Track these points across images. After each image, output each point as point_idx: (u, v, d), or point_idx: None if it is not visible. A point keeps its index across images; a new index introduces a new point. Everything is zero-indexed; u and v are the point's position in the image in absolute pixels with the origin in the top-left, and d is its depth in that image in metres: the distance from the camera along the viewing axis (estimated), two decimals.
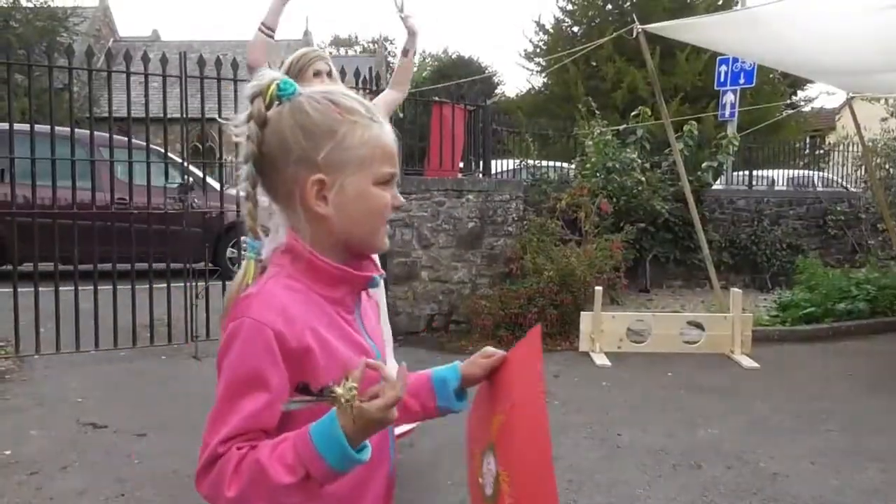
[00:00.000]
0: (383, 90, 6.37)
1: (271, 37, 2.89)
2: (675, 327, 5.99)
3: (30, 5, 18.01)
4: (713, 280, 6.93)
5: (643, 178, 8.06)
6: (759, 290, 8.86)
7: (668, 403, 4.62)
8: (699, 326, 6.08)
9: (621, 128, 9.09)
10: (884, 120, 8.71)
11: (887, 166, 8.43)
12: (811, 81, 17.05)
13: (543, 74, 21.98)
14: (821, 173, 13.29)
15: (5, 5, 17.44)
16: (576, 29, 21.42)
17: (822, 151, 15.49)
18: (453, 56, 45.51)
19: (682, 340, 5.95)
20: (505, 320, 5.94)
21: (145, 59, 5.26)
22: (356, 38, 55.68)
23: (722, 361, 5.67)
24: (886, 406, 4.55)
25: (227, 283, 5.98)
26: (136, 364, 5.22)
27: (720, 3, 19.61)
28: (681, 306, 7.70)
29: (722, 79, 11.80)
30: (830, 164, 13.63)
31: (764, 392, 4.87)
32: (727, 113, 11.73)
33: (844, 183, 12.48)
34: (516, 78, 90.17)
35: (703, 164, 8.79)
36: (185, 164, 6.16)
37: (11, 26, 17.02)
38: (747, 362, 5.59)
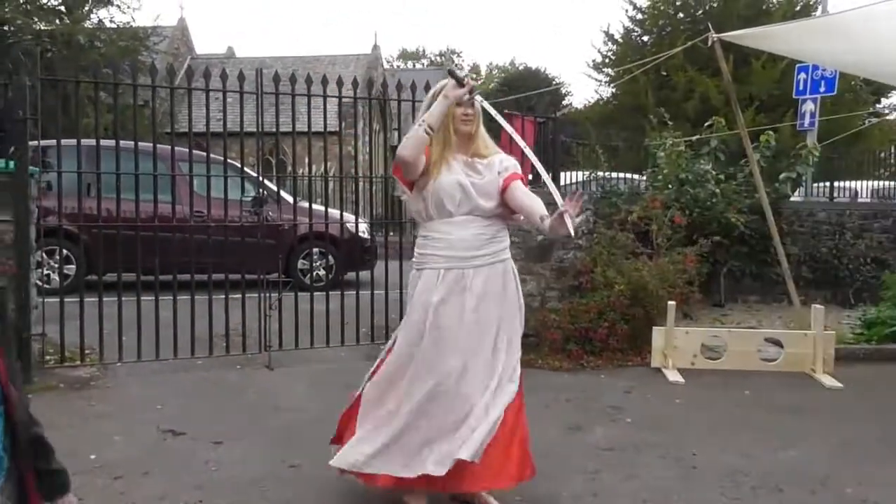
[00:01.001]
0: None
1: (430, 136, 2.93)
2: (752, 344, 5.79)
3: (113, 26, 18.79)
4: (793, 295, 6.67)
5: (717, 190, 7.85)
6: (842, 307, 8.48)
7: (745, 423, 4.46)
8: (778, 343, 5.86)
9: (694, 138, 8.89)
10: None
11: None
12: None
13: (612, 85, 21.71)
14: None
15: (90, 27, 18.27)
16: (645, 38, 21.12)
17: None
18: (520, 67, 45.56)
19: (759, 358, 5.74)
20: (574, 334, 5.85)
21: (224, 77, 5.43)
22: (423, 50, 56.39)
23: (802, 380, 5.44)
24: None
25: (298, 294, 6.11)
26: (212, 373, 5.37)
27: (798, 9, 19.02)
28: (757, 322, 7.44)
29: (801, 87, 11.43)
30: None
31: (848, 413, 4.65)
32: (807, 122, 11.34)
33: None
34: (584, 89, 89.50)
35: (781, 176, 8.51)
36: (260, 177, 6.33)
37: (96, 46, 17.84)
38: (830, 382, 5.35)
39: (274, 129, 5.81)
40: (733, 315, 7.87)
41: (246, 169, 6.43)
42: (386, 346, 3.22)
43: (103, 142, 5.48)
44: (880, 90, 18.87)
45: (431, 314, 2.91)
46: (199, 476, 3.50)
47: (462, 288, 2.92)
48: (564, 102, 34.01)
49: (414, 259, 3.07)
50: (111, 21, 18.90)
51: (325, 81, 5.62)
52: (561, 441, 4.08)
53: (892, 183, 12.34)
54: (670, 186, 7.76)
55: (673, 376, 5.44)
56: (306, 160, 6.15)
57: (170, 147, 6.11)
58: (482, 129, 3.10)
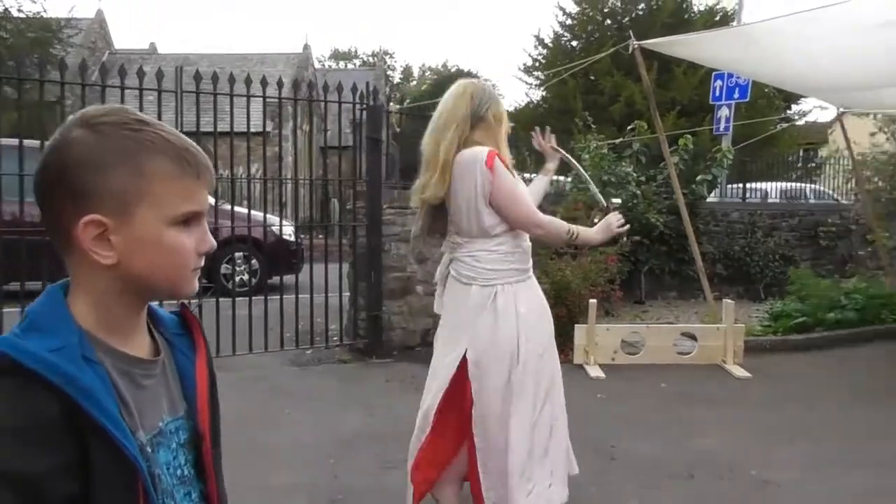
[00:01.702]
0: (381, 104, 6.46)
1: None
2: (668, 339, 6.04)
3: (21, 15, 17.63)
4: (707, 291, 6.99)
5: (639, 192, 8.14)
6: (753, 301, 8.92)
7: (661, 414, 4.66)
8: (692, 337, 6.13)
9: (617, 141, 9.18)
10: (872, 134, 8.81)
11: (876, 179, 8.52)
12: (804, 96, 17.19)
13: (542, 88, 22.12)
14: (813, 186, 13.41)
15: None
16: (574, 43, 21.60)
17: (814, 164, 15.62)
18: (452, 69, 45.81)
19: (675, 352, 6.00)
20: None
21: (140, 74, 5.27)
22: (356, 51, 56.06)
23: (715, 372, 5.72)
24: (875, 413, 4.60)
25: (220, 299, 6.02)
26: None
27: (717, 19, 19.81)
28: (675, 318, 7.75)
29: (717, 93, 11.92)
30: (822, 176, 13.75)
31: (756, 401, 4.92)
32: (722, 127, 11.84)
33: (836, 195, 12.59)
34: (515, 91, 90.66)
35: (698, 178, 8.87)
36: None
37: (2, 37, 16.73)
38: (740, 372, 5.64)
39: (195, 129, 5.68)
40: (653, 311, 8.17)
41: None
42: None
43: (5, 141, 5.13)
44: (790, 97, 19.82)
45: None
46: None
47: None
48: None
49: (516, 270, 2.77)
50: (19, 10, 17.53)
51: (248, 81, 5.55)
52: None
53: (800, 184, 13.03)
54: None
55: (594, 372, 5.63)
56: (231, 162, 6.03)
57: None
58: None
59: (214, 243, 1.00)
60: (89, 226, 0.89)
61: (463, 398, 2.73)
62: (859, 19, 5.03)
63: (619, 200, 3.03)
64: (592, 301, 5.89)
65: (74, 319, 0.91)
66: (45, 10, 18.18)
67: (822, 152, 16.33)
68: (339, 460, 3.80)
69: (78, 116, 0.93)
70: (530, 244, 2.83)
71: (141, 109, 5.35)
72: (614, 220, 2.86)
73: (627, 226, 2.92)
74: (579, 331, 5.85)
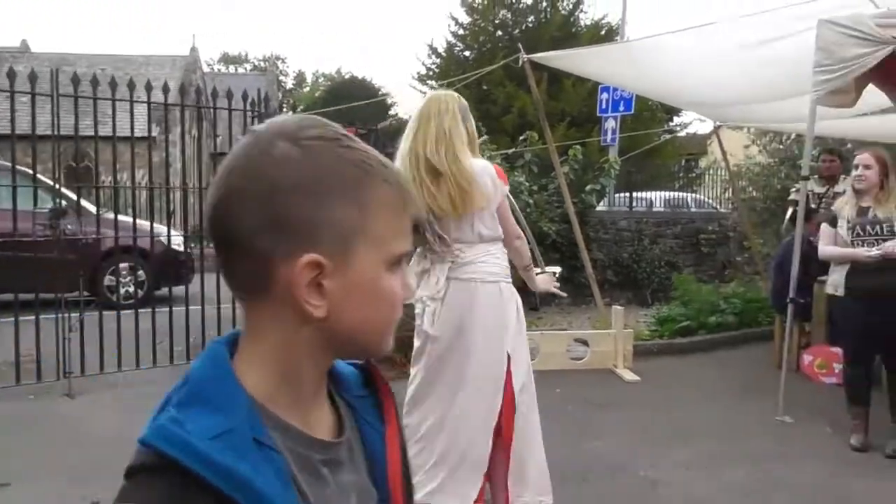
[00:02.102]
0: (273, 111, 6.31)
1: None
2: (562, 345, 6.19)
3: None
4: (597, 297, 7.22)
5: (531, 201, 8.31)
6: (641, 306, 9.28)
7: (556, 419, 4.73)
8: (585, 343, 6.31)
9: (510, 151, 9.35)
10: (747, 147, 9.41)
11: (751, 189, 9.09)
12: (684, 109, 18.15)
13: None
14: (694, 195, 14.16)
15: None
16: (467, 53, 21.90)
17: (694, 175, 16.50)
18: (346, 76, 45.49)
19: (569, 357, 6.15)
20: (397, 342, 5.82)
21: (11, 75, 4.94)
22: (246, 55, 54.73)
23: (606, 376, 5.91)
24: (752, 410, 4.88)
25: (104, 312, 5.68)
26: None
27: (602, 33, 20.60)
28: (568, 324, 7.96)
29: (603, 106, 12.38)
30: (702, 186, 14.54)
31: (645, 404, 5.11)
32: (609, 138, 12.30)
33: (715, 204, 13.34)
34: (411, 100, 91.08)
35: (587, 187, 9.17)
36: (57, 186, 5.83)
37: None
38: (629, 376, 5.85)
39: (73, 134, 5.34)
40: (547, 318, 8.36)
41: (41, 177, 5.87)
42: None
43: None
44: (672, 109, 20.87)
45: None
46: None
47: None
48: (391, 112, 34.42)
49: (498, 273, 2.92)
50: None
51: (132, 85, 5.29)
52: None
53: (682, 194, 13.73)
54: None
55: None
56: (114, 168, 5.72)
57: None
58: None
59: (415, 289, 0.82)
60: (307, 267, 0.71)
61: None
62: (733, 40, 5.37)
63: (558, 270, 3.23)
64: None
65: (245, 388, 0.72)
66: None
67: (702, 163, 17.28)
68: None
69: (274, 129, 0.74)
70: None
71: (12, 113, 5.03)
72: (552, 280, 3.14)
73: (564, 295, 3.28)
74: None
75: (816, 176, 5.98)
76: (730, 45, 5.39)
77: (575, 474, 3.74)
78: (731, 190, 9.72)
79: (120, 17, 75.23)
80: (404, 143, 2.87)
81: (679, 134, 23.50)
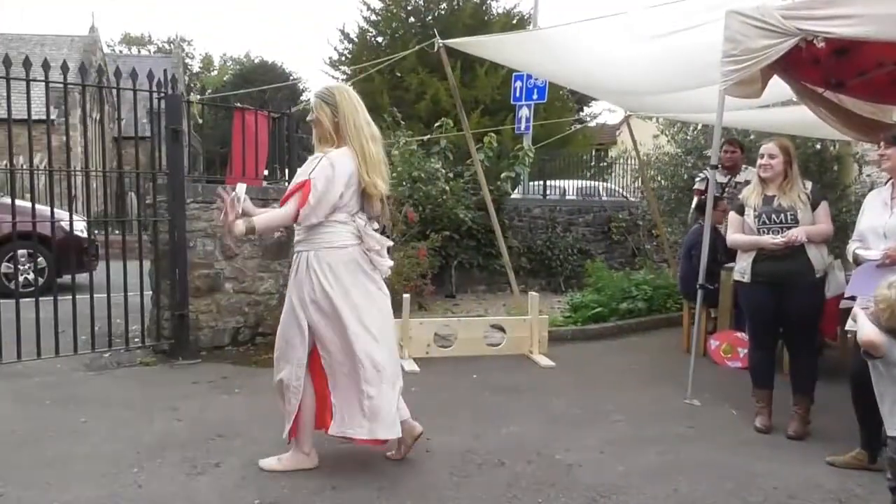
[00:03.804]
0: (180, 93, 6.06)
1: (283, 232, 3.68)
2: (479, 331, 6.26)
3: None
4: (513, 284, 7.33)
5: (447, 188, 8.35)
6: (555, 293, 9.49)
7: (473, 405, 4.81)
8: (501, 329, 6.40)
9: (426, 138, 9.35)
10: (656, 136, 9.73)
11: (659, 178, 9.42)
12: (595, 99, 18.59)
13: (349, 83, 21.97)
14: (605, 184, 14.56)
15: None
16: (380, 39, 21.70)
17: (605, 164, 16.96)
18: (256, 60, 44.25)
19: (486, 343, 6.23)
20: None
21: None
22: (150, 36, 52.43)
23: (522, 362, 6.01)
24: (662, 394, 5.07)
25: (2, 301, 5.36)
26: None
27: (514, 22, 20.82)
28: (485, 310, 8.05)
29: (517, 94, 12.54)
30: (613, 175, 14.97)
31: (559, 389, 5.23)
32: (523, 126, 12.48)
33: (625, 193, 13.77)
34: (321, 85, 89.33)
35: (503, 175, 9.28)
36: None
37: None
38: (545, 361, 5.97)
39: None
40: (463, 304, 8.43)
41: None
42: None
43: None
44: (583, 100, 21.39)
45: None
46: None
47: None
48: (303, 98, 33.76)
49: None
50: None
51: (27, 63, 4.97)
52: None
53: (593, 182, 14.09)
54: (404, 183, 8.09)
55: (409, 366, 5.68)
56: (10, 151, 5.37)
57: None
58: (343, 129, 3.45)
59: None
60: None
61: None
62: (642, 30, 5.51)
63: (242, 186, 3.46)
64: (406, 295, 5.95)
65: None
66: None
67: (612, 152, 17.77)
68: (142, 469, 3.52)
69: None
70: None
71: None
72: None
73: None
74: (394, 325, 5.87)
75: (719, 166, 6.25)
76: (639, 35, 5.53)
77: (491, 459, 3.79)
78: (640, 179, 10.02)
79: None
80: (376, 147, 3.48)
81: (589, 124, 24.10)
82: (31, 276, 8.00)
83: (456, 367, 5.76)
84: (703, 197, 5.98)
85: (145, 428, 4.15)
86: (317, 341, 3.49)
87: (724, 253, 5.27)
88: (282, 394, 3.52)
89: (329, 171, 3.37)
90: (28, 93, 5.01)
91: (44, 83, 5.19)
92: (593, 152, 19.49)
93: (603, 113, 24.31)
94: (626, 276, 8.42)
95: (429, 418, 4.46)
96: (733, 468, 3.71)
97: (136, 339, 5.95)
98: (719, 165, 5.86)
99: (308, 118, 3.56)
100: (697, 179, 6.98)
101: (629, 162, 13.40)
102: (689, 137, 9.06)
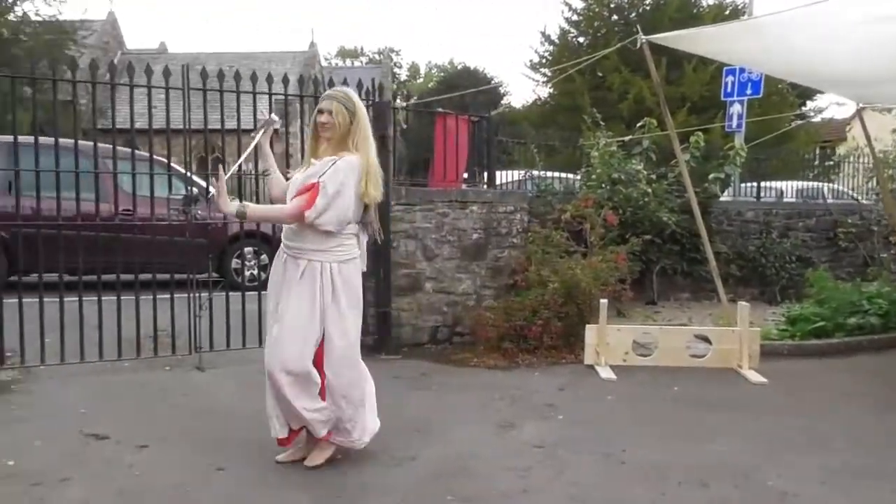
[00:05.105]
0: (387, 101, 6.39)
1: (271, 174, 3.72)
2: (681, 341, 5.93)
3: (39, 19, 18.25)
4: (720, 293, 6.86)
5: (649, 190, 8.01)
6: (768, 304, 8.78)
7: (673, 418, 4.56)
8: (706, 340, 6.02)
9: (626, 139, 9.06)
10: (894, 131, 8.64)
11: None
12: (821, 91, 16.96)
13: (549, 85, 21.98)
14: (831, 185, 13.21)
15: (14, 19, 17.67)
16: (581, 40, 21.46)
17: (832, 163, 15.39)
18: (459, 66, 45.70)
19: (688, 354, 5.89)
20: (509, 332, 5.90)
21: (148, 72, 5.28)
22: (362, 49, 56.05)
23: (729, 376, 5.61)
24: None
25: (230, 294, 5.98)
26: (139, 375, 5.21)
27: (727, 13, 19.61)
28: (688, 319, 7.63)
29: (728, 89, 11.76)
30: (841, 175, 13.54)
31: (772, 408, 4.81)
32: (734, 124, 11.68)
33: (855, 195, 12.40)
34: (524, 89, 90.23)
35: (710, 176, 8.74)
36: (189, 174, 6.16)
37: (21, 40, 17.25)
38: (755, 377, 5.52)
39: (203, 127, 5.64)
40: (665, 312, 8.05)
41: (175, 166, 6.23)
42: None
43: (24, 138, 5.27)
44: (805, 93, 19.63)
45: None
46: (122, 481, 3.38)
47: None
48: (503, 101, 34.27)
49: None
50: (36, 14, 18.45)
51: (254, 78, 5.51)
52: (493, 439, 4.10)
53: (817, 184, 12.83)
54: (603, 186, 7.89)
55: (605, 373, 5.53)
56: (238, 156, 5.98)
57: (93, 144, 5.86)
58: (356, 136, 3.48)
59: None
60: None
61: None
62: (875, 9, 4.88)
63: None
64: (603, 301, 5.80)
65: None
66: (60, 13, 18.76)
67: (840, 150, 16.09)
68: (346, 456, 3.73)
69: None
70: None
71: (150, 107, 5.34)
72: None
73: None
74: (590, 331, 5.75)
75: None
76: (873, 16, 4.91)
77: (692, 478, 3.56)
78: (875, 179, 8.97)
79: (246, 18, 78.78)
80: (374, 154, 3.52)
81: (813, 119, 22.07)
82: (255, 272, 8.68)
83: (655, 377, 5.50)
84: None
85: None
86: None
87: None
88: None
89: (342, 176, 3.38)
90: (254, 104, 5.54)
91: (267, 95, 5.70)
92: (817, 150, 17.77)
93: (830, 107, 22.15)
94: (856, 287, 7.55)
95: (625, 429, 4.31)
96: None
97: None
98: None
99: (322, 119, 3.47)
100: None
101: (861, 160, 12.07)
102: None
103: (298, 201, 3.39)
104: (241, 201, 3.57)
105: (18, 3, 18.30)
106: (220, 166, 3.54)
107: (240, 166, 3.68)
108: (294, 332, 3.40)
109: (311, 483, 3.43)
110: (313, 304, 3.42)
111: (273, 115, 3.58)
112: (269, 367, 3.45)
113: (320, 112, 3.48)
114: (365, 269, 3.66)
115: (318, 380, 3.48)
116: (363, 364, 3.69)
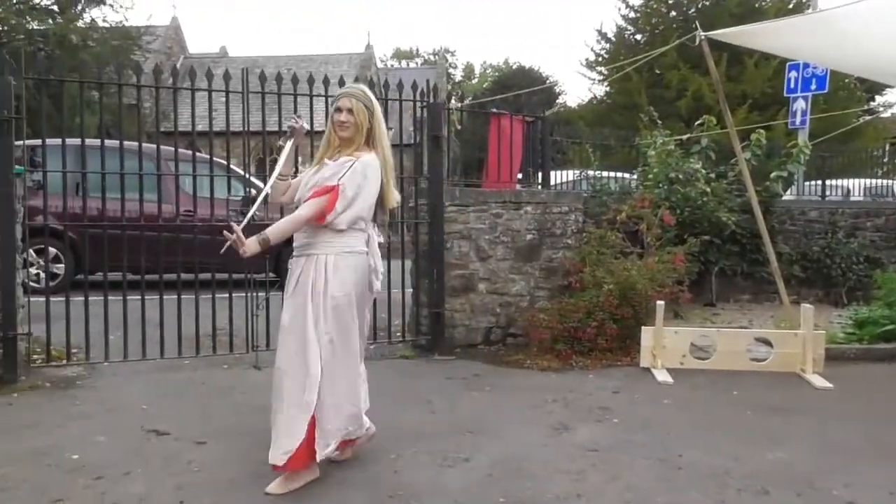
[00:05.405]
0: (441, 101, 6.40)
1: (286, 180, 3.57)
2: (741, 344, 5.78)
3: (106, 25, 18.94)
4: (783, 295, 6.66)
5: (708, 189, 7.84)
6: (834, 306, 8.48)
7: (732, 423, 4.44)
8: (767, 343, 5.85)
9: (685, 137, 8.88)
10: None
11: None
12: (890, 86, 16.31)
13: (605, 83, 21.71)
14: None
15: (82, 26, 18.37)
16: (638, 37, 21.15)
17: None
18: (514, 66, 45.51)
19: (748, 357, 5.73)
20: (563, 334, 5.84)
21: (209, 76, 5.40)
22: (417, 50, 56.35)
23: (792, 381, 5.43)
24: None
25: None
26: (199, 373, 5.34)
27: (791, 6, 19.04)
28: (748, 321, 7.43)
29: (792, 85, 11.42)
30: None
31: (838, 414, 4.64)
32: (798, 120, 11.33)
33: None
34: (579, 87, 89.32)
35: (772, 175, 8.50)
36: (248, 176, 6.29)
37: (89, 45, 17.94)
38: (820, 382, 5.34)
39: (261, 129, 5.76)
40: (724, 314, 7.86)
41: (234, 168, 6.37)
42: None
43: (91, 141, 5.47)
44: (874, 88, 18.92)
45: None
46: (181, 476, 3.47)
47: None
48: (559, 101, 34.00)
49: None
50: (104, 20, 19.18)
51: (311, 80, 5.59)
52: (547, 441, 4.06)
53: (886, 181, 12.33)
54: (661, 185, 7.75)
55: (661, 376, 5.42)
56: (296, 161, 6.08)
57: (156, 146, 6.04)
58: (373, 135, 3.39)
59: None
60: None
61: None
62: None
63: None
64: (660, 302, 5.68)
65: None
66: (126, 20, 19.38)
67: None
68: (399, 456, 3.75)
69: None
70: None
71: (210, 110, 5.49)
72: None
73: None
74: (646, 333, 5.65)
75: None
76: None
77: (753, 485, 3.45)
78: None
79: (304, 21, 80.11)
80: (389, 152, 3.43)
81: (882, 115, 21.24)
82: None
83: (713, 381, 5.37)
84: None
85: (401, 417, 4.41)
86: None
87: None
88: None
89: (360, 178, 3.28)
90: (311, 106, 5.62)
91: (323, 98, 5.78)
92: (887, 147, 17.08)
93: None
94: None
95: (682, 433, 4.22)
96: None
97: (398, 334, 6.38)
98: None
99: (341, 118, 3.33)
100: None
101: None
102: None
103: (316, 205, 3.27)
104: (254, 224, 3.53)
105: (87, 10, 19.08)
106: (232, 224, 3.41)
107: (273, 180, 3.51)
108: (293, 334, 3.47)
109: (367, 482, 3.45)
110: (306, 298, 3.37)
111: (303, 123, 3.47)
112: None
113: (338, 110, 3.34)
114: (374, 265, 3.52)
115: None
116: (355, 358, 3.54)
